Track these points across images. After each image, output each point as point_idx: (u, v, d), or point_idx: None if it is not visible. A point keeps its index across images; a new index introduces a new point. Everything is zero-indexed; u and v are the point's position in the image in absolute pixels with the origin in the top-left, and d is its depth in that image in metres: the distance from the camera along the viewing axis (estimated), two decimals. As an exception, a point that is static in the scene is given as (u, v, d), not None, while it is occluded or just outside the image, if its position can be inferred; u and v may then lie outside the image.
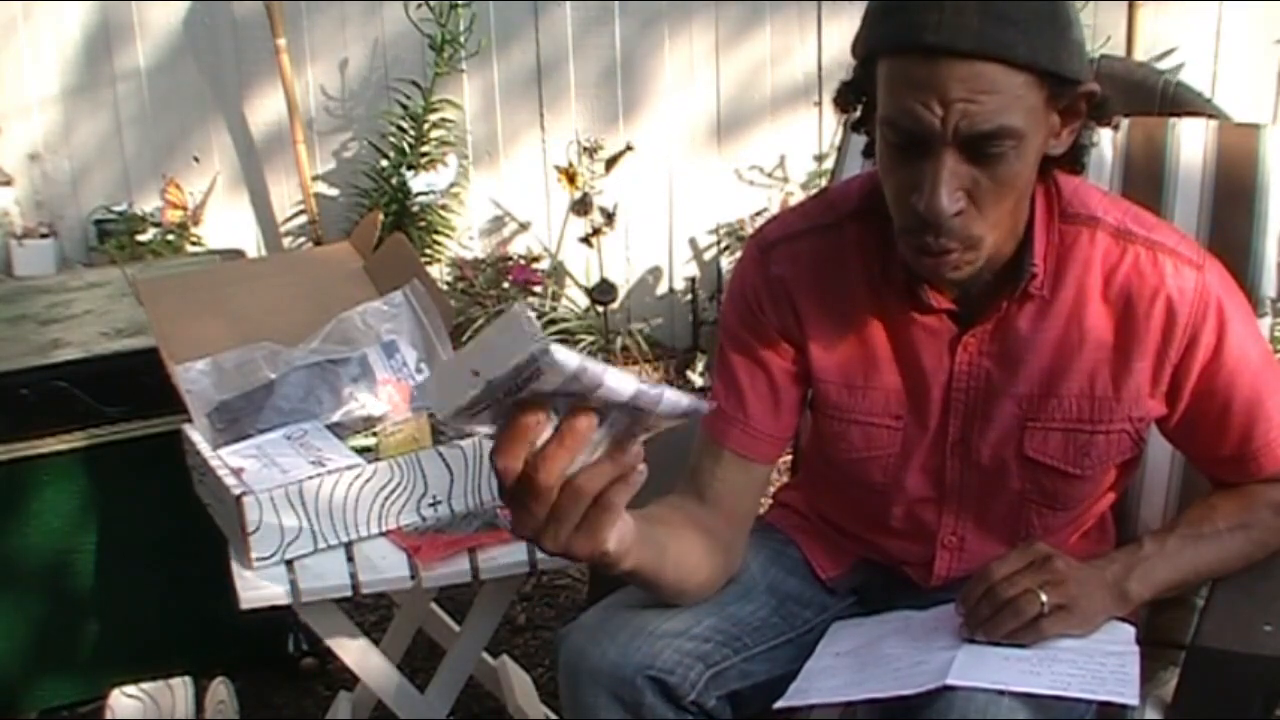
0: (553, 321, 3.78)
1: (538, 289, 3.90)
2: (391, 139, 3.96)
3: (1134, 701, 1.20)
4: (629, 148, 3.72)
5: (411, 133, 3.92)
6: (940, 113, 1.17)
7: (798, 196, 3.63)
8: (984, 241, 1.25)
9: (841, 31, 3.56)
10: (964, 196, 1.22)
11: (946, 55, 1.15)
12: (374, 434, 1.88)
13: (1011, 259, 1.32)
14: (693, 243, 3.83)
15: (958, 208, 1.21)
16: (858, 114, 1.34)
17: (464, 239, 4.05)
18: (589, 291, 3.77)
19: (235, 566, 1.75)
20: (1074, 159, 1.31)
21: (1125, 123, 1.63)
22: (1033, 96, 1.19)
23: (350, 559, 1.76)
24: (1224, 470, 1.41)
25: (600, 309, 3.74)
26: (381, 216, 2.36)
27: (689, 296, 3.83)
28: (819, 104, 3.64)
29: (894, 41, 1.19)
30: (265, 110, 4.18)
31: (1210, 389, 1.34)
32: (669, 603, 1.35)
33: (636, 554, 1.18)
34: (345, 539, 1.78)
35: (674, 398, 0.98)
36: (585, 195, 3.69)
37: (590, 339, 3.71)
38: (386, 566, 1.75)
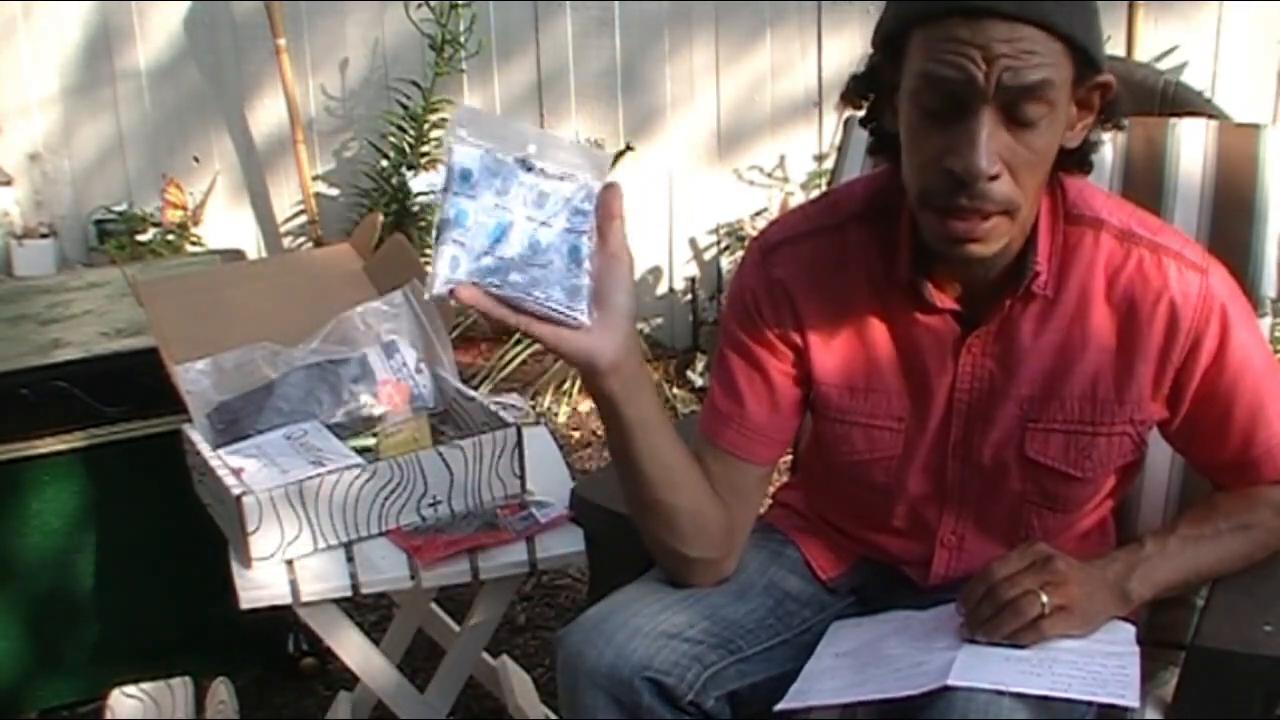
0: (553, 321, 3.78)
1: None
2: (391, 139, 3.96)
3: (1134, 704, 1.20)
4: (629, 148, 3.72)
5: (411, 133, 3.92)
6: (984, 67, 1.18)
7: (798, 196, 3.63)
8: (1020, 211, 1.25)
9: (842, 36, 3.56)
10: (1000, 163, 1.21)
11: (989, 16, 1.17)
12: (374, 434, 1.88)
13: (1016, 258, 1.32)
14: (693, 243, 3.83)
15: (996, 170, 1.21)
16: (864, 110, 1.33)
17: (464, 239, 4.05)
18: (589, 291, 3.77)
19: (235, 566, 1.76)
20: (1082, 157, 1.31)
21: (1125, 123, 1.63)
22: (1065, 69, 1.21)
23: (350, 559, 1.76)
24: (1225, 475, 1.41)
25: (600, 309, 3.73)
26: (381, 217, 2.36)
27: (689, 296, 3.83)
28: (819, 104, 3.64)
29: (935, 7, 1.20)
30: (265, 110, 4.18)
31: (1212, 393, 1.34)
32: (642, 501, 1.35)
33: (625, 392, 1.24)
34: (345, 539, 1.78)
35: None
36: (585, 195, 3.68)
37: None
38: (386, 566, 1.75)
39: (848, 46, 3.55)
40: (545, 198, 1.15)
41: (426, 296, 1.12)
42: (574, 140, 1.18)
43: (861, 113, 1.36)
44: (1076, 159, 1.31)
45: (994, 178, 1.21)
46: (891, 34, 1.25)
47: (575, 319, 1.16)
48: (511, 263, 1.13)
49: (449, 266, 1.12)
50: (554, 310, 1.15)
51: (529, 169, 1.15)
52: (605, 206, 1.17)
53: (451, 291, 1.13)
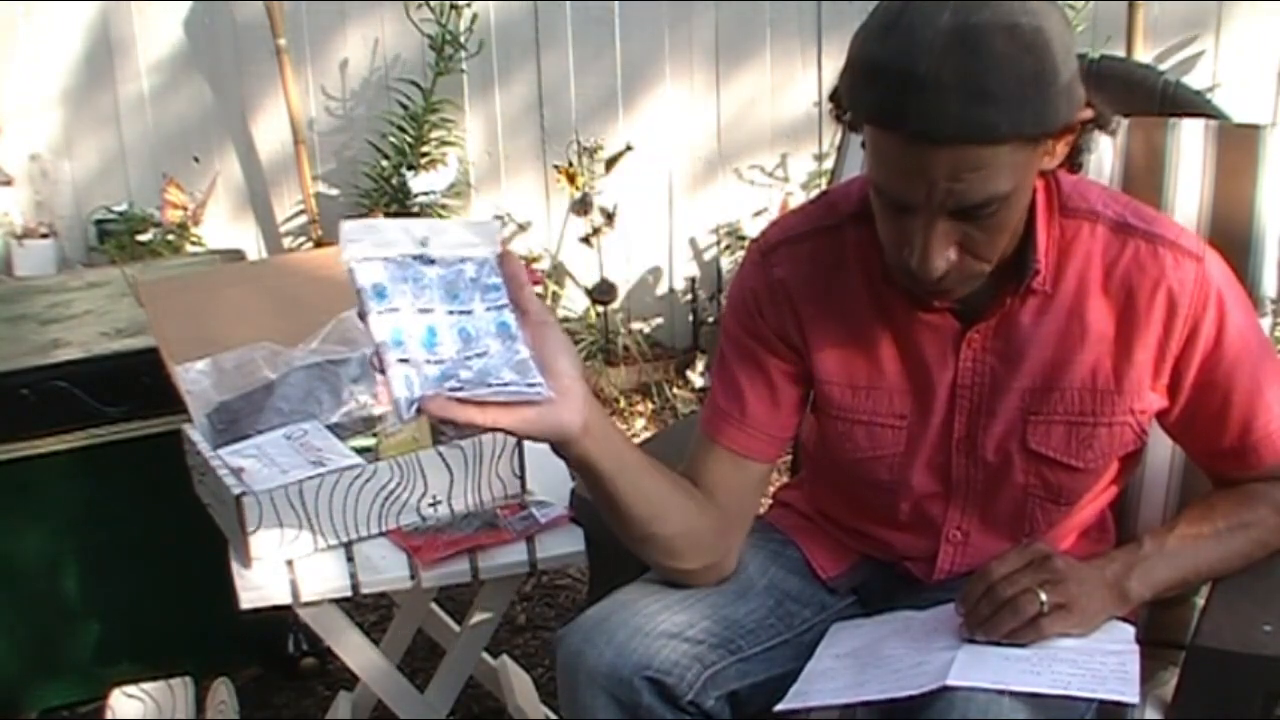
0: (553, 321, 3.77)
1: (538, 289, 3.90)
2: (391, 139, 3.96)
3: (1134, 700, 1.20)
4: (629, 147, 3.72)
5: (411, 133, 3.92)
6: (925, 190, 1.19)
7: (798, 196, 3.63)
8: (983, 273, 1.28)
9: (843, 36, 3.56)
10: (956, 249, 1.24)
11: (927, 141, 1.16)
12: (374, 434, 1.88)
13: (1013, 255, 1.32)
14: (693, 243, 3.83)
15: (948, 264, 1.24)
16: (850, 119, 1.34)
17: (464, 239, 4.05)
18: (589, 291, 3.77)
19: (235, 566, 1.76)
20: (1071, 160, 1.31)
21: (1125, 123, 1.63)
22: (1020, 155, 1.19)
23: (350, 559, 1.76)
24: (1224, 464, 1.41)
25: (600, 309, 3.74)
26: (382, 217, 2.36)
27: (689, 296, 3.83)
28: (819, 103, 3.64)
29: (875, 117, 1.20)
30: (265, 111, 4.18)
31: (1211, 380, 1.35)
32: (634, 538, 1.35)
33: (599, 447, 1.22)
34: (345, 539, 1.78)
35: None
36: (585, 195, 3.69)
37: (590, 339, 3.71)
38: (386, 566, 1.75)
39: (848, 46, 3.54)
40: (454, 286, 1.14)
41: (400, 423, 1.12)
42: (456, 220, 1.18)
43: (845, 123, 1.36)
44: (1064, 164, 1.30)
45: (951, 264, 1.24)
46: (846, 107, 1.27)
47: (539, 394, 1.14)
48: (453, 362, 1.11)
49: (406, 387, 1.09)
50: (516, 394, 1.12)
51: (430, 262, 1.14)
52: (511, 277, 1.16)
53: (419, 410, 1.09)
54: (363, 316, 1.12)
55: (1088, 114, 1.25)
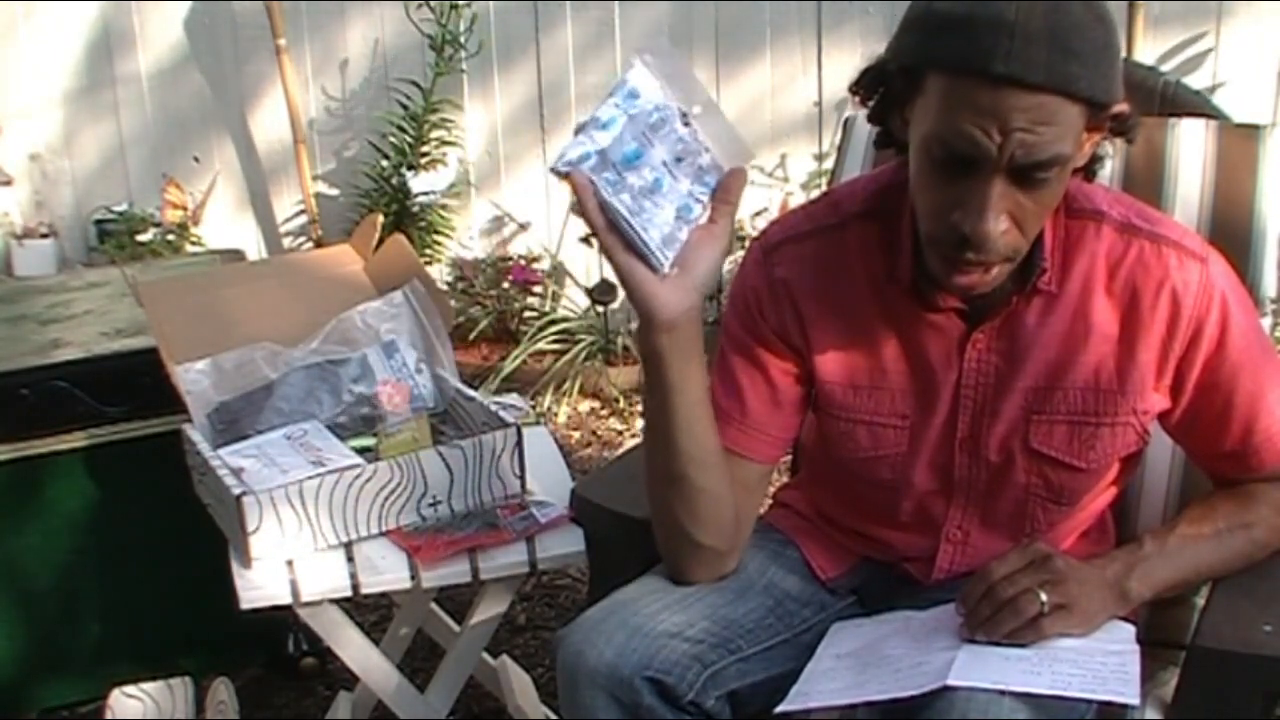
0: (553, 321, 3.78)
1: (538, 289, 3.90)
2: (391, 139, 3.96)
3: (1135, 701, 1.20)
4: (629, 148, 3.72)
5: (411, 133, 3.92)
6: (998, 140, 1.17)
7: (798, 196, 3.63)
8: (1018, 256, 1.28)
9: (842, 37, 3.56)
10: (1008, 218, 1.23)
11: (1012, 85, 1.15)
12: (374, 434, 1.88)
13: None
14: (693, 243, 3.83)
15: (1004, 229, 1.23)
16: (872, 106, 1.33)
17: (464, 239, 4.06)
18: (589, 291, 3.77)
19: (235, 566, 1.76)
20: (1087, 168, 1.31)
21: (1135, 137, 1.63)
22: (1080, 123, 1.21)
23: (350, 559, 1.76)
24: (1225, 465, 1.41)
25: (600, 309, 3.74)
26: (381, 217, 2.36)
27: (689, 296, 3.82)
28: (819, 103, 3.64)
29: (957, 63, 1.18)
30: (265, 110, 4.18)
31: (1214, 382, 1.35)
32: (667, 474, 1.35)
33: (676, 351, 1.26)
34: (345, 539, 1.78)
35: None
36: (585, 195, 3.68)
37: (590, 339, 3.71)
38: (386, 566, 1.75)
39: (847, 47, 3.55)
40: (685, 154, 1.21)
41: (550, 169, 1.17)
42: (730, 124, 1.22)
43: (868, 109, 1.35)
44: (1082, 169, 1.31)
45: (1003, 233, 1.23)
46: (909, 64, 1.24)
47: (657, 262, 1.20)
48: (630, 188, 1.18)
49: (579, 155, 1.17)
50: (643, 245, 1.19)
51: (686, 124, 1.21)
52: (725, 189, 1.23)
53: (568, 175, 1.17)
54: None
55: (1124, 107, 1.26)
